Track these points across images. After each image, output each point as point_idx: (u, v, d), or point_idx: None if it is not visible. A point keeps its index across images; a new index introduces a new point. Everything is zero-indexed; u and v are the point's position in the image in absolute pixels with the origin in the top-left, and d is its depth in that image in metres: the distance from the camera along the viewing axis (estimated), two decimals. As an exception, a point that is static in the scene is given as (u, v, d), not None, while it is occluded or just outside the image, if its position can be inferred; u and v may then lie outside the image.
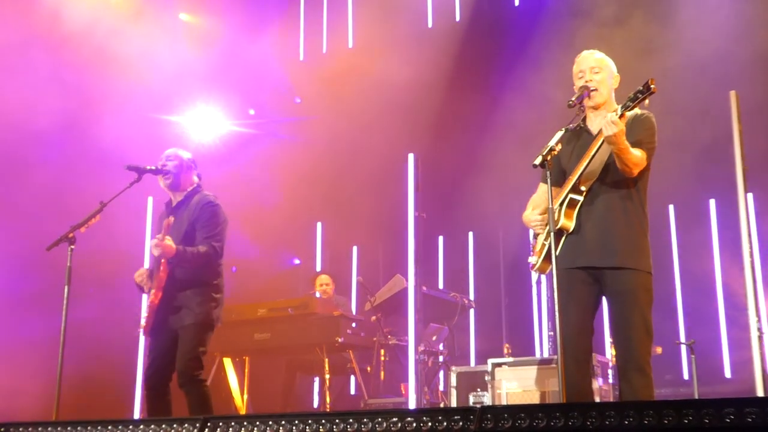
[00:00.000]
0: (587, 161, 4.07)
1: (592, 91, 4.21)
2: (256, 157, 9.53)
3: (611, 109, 4.26)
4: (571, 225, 4.11)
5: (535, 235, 4.39)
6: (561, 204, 4.13)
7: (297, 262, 10.29)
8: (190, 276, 5.04)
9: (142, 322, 5.10)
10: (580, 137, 4.27)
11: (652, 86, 3.83)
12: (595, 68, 4.25)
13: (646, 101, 3.88)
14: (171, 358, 5.04)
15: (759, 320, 5.37)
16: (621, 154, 3.97)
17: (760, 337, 5.31)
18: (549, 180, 3.96)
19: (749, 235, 5.64)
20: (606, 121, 3.91)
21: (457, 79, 9.07)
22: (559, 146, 4.02)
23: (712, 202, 8.24)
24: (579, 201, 4.13)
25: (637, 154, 4.03)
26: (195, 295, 5.03)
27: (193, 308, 5.01)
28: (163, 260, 4.98)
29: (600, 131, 4.15)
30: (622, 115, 3.92)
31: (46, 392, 5.46)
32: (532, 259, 4.37)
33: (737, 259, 5.69)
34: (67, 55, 8.12)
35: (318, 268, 9.88)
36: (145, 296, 5.26)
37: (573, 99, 4.17)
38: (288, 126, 10.13)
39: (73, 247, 4.96)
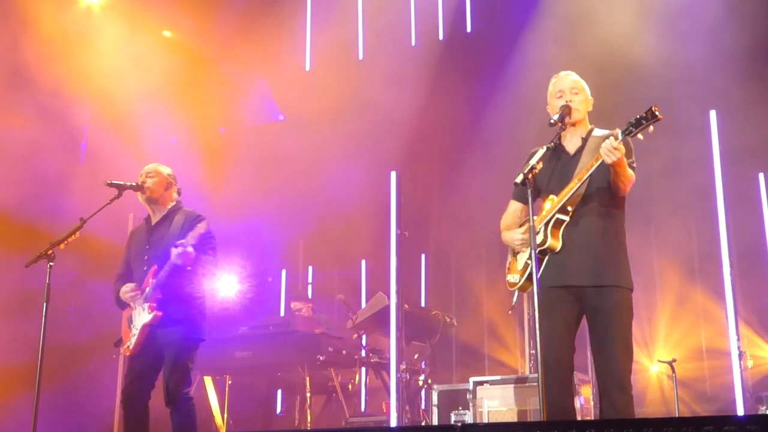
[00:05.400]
0: (579, 184, 4.08)
1: (574, 110, 4.24)
2: (239, 173, 9.52)
3: (585, 128, 4.30)
4: (558, 245, 4.13)
5: (514, 254, 4.39)
6: (547, 224, 4.14)
7: (269, 279, 10.23)
8: (178, 292, 4.97)
9: (129, 344, 5.00)
10: (559, 157, 4.29)
11: (656, 113, 3.78)
12: (574, 89, 4.29)
13: (651, 128, 3.82)
14: (152, 377, 4.98)
15: (738, 338, 5.41)
16: (621, 172, 3.99)
17: (740, 356, 5.35)
18: (530, 198, 3.97)
19: (729, 253, 5.69)
20: (606, 148, 3.89)
21: (439, 96, 9.11)
22: (540, 164, 4.04)
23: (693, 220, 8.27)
24: (565, 221, 4.14)
25: (632, 173, 4.08)
26: (182, 309, 4.99)
27: (181, 323, 4.96)
28: (151, 278, 4.94)
29: (580, 150, 4.20)
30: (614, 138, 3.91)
31: (23, 411, 5.40)
32: (512, 278, 4.36)
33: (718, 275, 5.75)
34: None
35: (302, 286, 9.87)
36: (126, 315, 5.17)
37: (555, 118, 4.19)
38: (270, 142, 10.11)
39: (52, 264, 4.89)
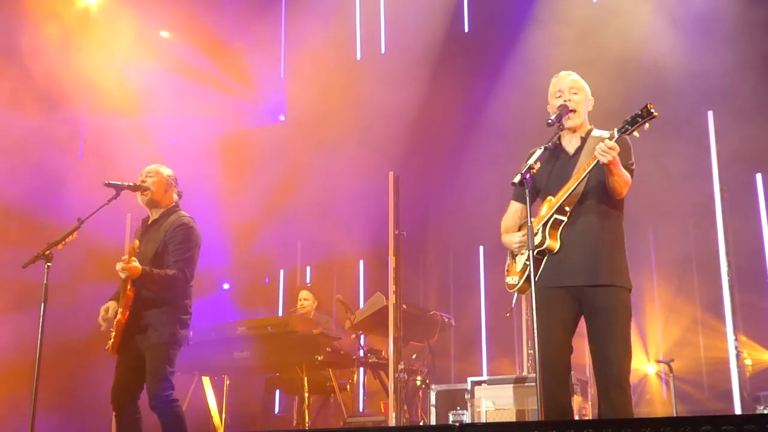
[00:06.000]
0: (576, 184, 4.08)
1: (571, 111, 4.24)
2: (238, 173, 9.53)
3: (584, 128, 4.30)
4: (556, 245, 4.12)
5: (513, 257, 4.38)
6: (545, 225, 4.14)
7: (266, 281, 10.22)
8: (157, 296, 5.00)
9: (109, 341, 5.05)
10: (558, 158, 4.29)
11: (652, 110, 3.77)
12: (573, 89, 4.29)
13: (646, 126, 3.82)
14: (137, 377, 5.01)
15: (736, 338, 5.42)
16: (616, 173, 3.99)
17: (738, 356, 5.35)
18: (528, 198, 3.97)
19: (727, 254, 5.70)
20: (601, 149, 3.88)
21: (437, 96, 9.11)
22: (538, 165, 4.04)
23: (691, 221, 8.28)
24: (563, 221, 4.14)
25: (628, 175, 4.07)
26: (161, 314, 4.99)
27: (159, 327, 4.97)
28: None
29: (578, 150, 4.20)
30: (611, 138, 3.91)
31: (21, 412, 5.40)
32: (511, 280, 4.36)
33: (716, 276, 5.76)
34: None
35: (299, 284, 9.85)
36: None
37: (552, 117, 4.20)
38: (269, 143, 10.12)
39: (49, 264, 4.89)
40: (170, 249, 5.05)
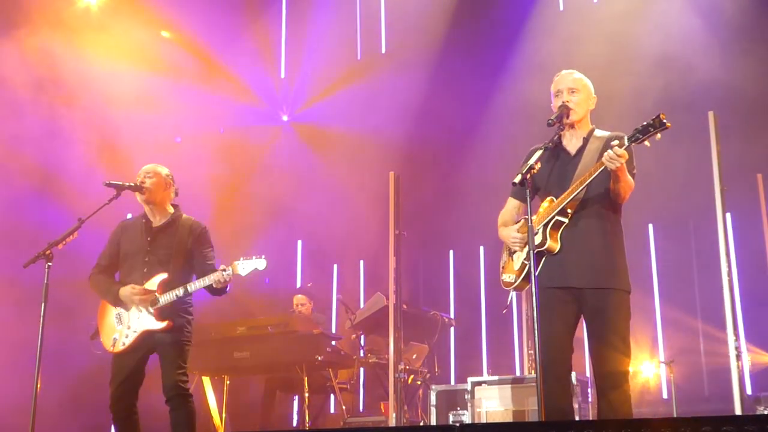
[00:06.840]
0: (580, 188, 4.07)
1: (570, 110, 4.23)
2: (239, 173, 9.53)
3: (586, 128, 4.30)
4: (556, 247, 4.13)
5: (511, 254, 4.38)
6: (545, 225, 4.14)
7: (267, 281, 10.22)
8: (180, 301, 5.06)
9: (123, 342, 5.03)
10: (558, 157, 4.29)
11: (664, 120, 3.75)
12: (573, 89, 4.27)
13: (658, 136, 3.79)
14: (140, 377, 5.08)
15: (737, 339, 5.42)
16: (622, 178, 3.99)
17: (738, 356, 5.35)
18: (528, 198, 3.97)
19: (727, 255, 5.70)
20: (610, 156, 3.88)
21: (438, 95, 9.11)
22: (539, 165, 4.04)
23: (692, 222, 8.28)
24: (564, 223, 4.14)
25: (632, 181, 4.08)
26: (181, 316, 5.07)
27: (179, 327, 5.04)
28: (159, 287, 5.01)
29: (580, 151, 4.20)
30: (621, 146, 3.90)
31: (23, 412, 5.40)
32: (507, 278, 4.36)
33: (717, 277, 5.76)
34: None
35: (298, 287, 9.84)
36: (104, 309, 5.20)
37: (552, 118, 4.19)
38: (270, 143, 10.13)
39: (50, 264, 4.90)
40: (203, 254, 5.16)
